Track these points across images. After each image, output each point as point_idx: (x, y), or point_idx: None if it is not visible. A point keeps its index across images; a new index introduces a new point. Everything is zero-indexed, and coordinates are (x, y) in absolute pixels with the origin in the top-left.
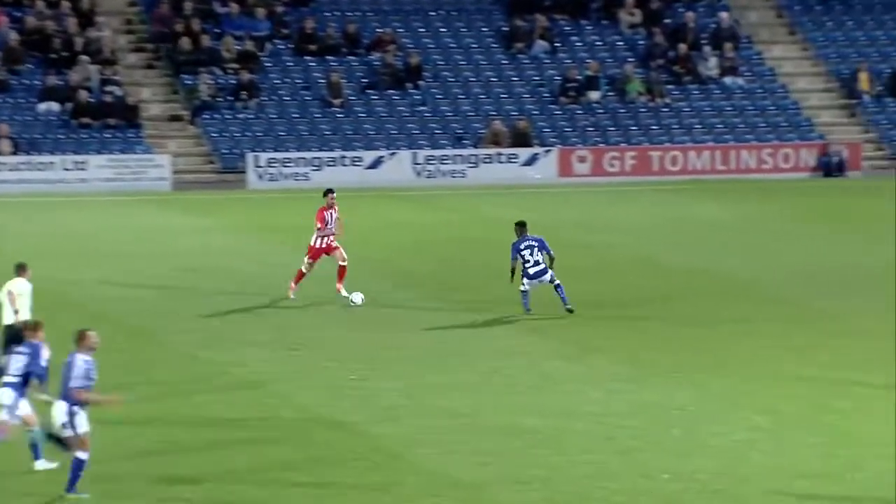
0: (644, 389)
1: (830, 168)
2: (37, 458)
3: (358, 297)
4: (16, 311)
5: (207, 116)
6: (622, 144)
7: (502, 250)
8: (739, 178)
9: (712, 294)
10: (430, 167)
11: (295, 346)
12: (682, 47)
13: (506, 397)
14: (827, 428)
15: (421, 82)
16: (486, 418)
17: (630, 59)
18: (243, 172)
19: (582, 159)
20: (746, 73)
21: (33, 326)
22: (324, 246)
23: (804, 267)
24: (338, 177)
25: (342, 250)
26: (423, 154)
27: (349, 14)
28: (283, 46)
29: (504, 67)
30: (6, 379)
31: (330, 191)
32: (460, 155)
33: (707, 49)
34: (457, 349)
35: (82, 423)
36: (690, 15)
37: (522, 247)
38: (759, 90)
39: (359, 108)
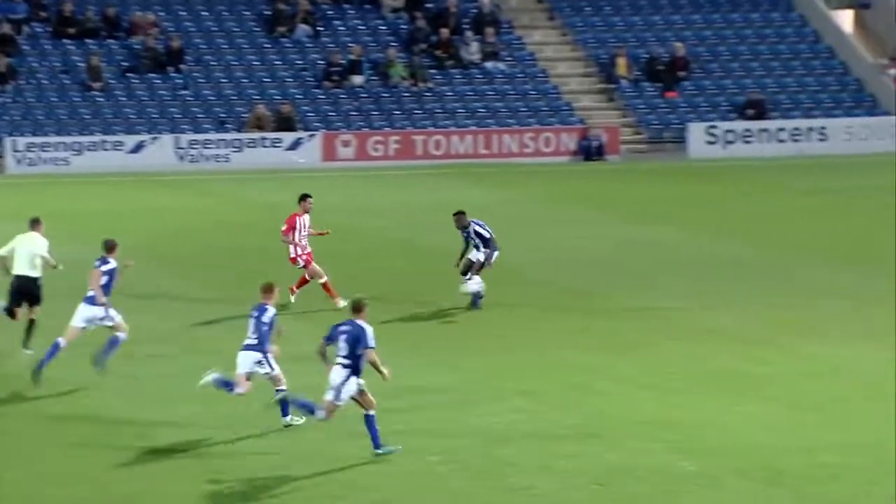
0: (408, 372)
1: (590, 152)
2: (285, 414)
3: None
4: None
5: None
6: (386, 129)
7: (266, 235)
8: (502, 162)
9: None
10: (193, 151)
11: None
12: (444, 32)
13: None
14: (586, 409)
15: (183, 66)
16: (249, 403)
17: (393, 44)
18: (1, 157)
19: (346, 143)
20: (507, 58)
21: (268, 287)
22: (305, 253)
23: (566, 251)
24: (99, 161)
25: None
26: (185, 138)
27: None
28: (41, 29)
29: (267, 51)
30: (247, 341)
31: (307, 196)
32: (224, 139)
33: (469, 34)
34: (221, 335)
35: (353, 385)
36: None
37: (484, 223)
38: (520, 75)
39: (119, 92)
